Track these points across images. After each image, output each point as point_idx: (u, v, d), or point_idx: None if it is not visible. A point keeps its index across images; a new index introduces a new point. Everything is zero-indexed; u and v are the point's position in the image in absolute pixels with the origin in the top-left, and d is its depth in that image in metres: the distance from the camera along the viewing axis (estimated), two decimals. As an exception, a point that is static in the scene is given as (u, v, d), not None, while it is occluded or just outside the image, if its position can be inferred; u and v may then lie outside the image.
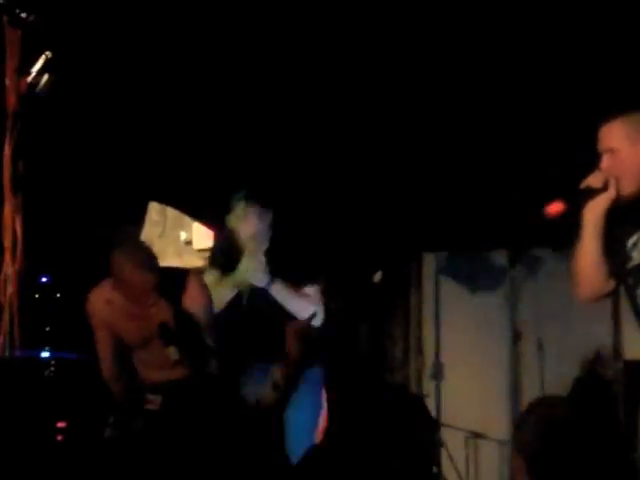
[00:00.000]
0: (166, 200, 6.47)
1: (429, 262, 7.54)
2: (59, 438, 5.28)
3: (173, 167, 6.27)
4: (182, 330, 4.64)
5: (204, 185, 6.30)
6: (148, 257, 4.70)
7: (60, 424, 5.32)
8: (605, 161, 3.44)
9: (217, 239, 5.17)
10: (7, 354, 4.63)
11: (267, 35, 4.90)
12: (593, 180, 3.47)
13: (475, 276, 7.22)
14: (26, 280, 4.69)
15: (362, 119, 5.77)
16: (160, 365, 4.76)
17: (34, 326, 5.42)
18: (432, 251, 7.58)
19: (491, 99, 5.64)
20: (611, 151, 3.42)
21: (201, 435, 4.12)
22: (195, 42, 5.14)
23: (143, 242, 5.00)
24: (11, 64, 4.55)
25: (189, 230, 6.39)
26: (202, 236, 6.39)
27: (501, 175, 6.15)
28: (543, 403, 2.99)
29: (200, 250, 6.37)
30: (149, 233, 6.51)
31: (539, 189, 3.90)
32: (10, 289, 4.46)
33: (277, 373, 4.91)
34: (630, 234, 3.44)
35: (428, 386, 7.21)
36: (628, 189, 3.41)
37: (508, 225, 6.38)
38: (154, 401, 4.83)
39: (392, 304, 7.50)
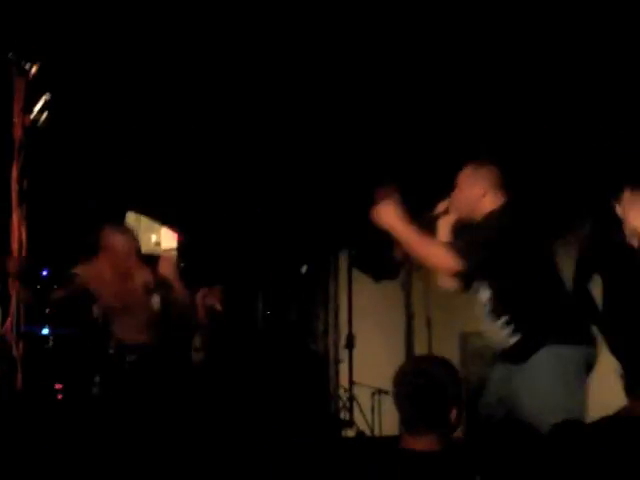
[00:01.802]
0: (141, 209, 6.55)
1: (344, 257, 7.63)
2: (59, 397, 5.47)
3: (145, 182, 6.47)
4: (159, 285, 4.76)
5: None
6: (129, 230, 4.91)
7: (58, 386, 5.47)
8: (454, 192, 3.75)
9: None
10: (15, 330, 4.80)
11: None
12: (440, 206, 3.82)
13: (378, 268, 7.18)
14: (30, 274, 4.75)
15: (281, 129, 5.78)
16: (137, 328, 4.86)
17: (36, 309, 5.43)
18: (346, 249, 7.65)
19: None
20: (458, 186, 3.73)
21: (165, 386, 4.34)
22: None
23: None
24: (18, 105, 4.62)
25: (158, 234, 6.42)
26: (168, 238, 6.49)
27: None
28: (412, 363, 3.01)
29: (166, 249, 6.43)
30: (126, 236, 6.52)
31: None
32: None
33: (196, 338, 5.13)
34: None
35: (343, 353, 7.28)
36: (460, 214, 3.74)
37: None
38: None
39: (315, 290, 7.65)
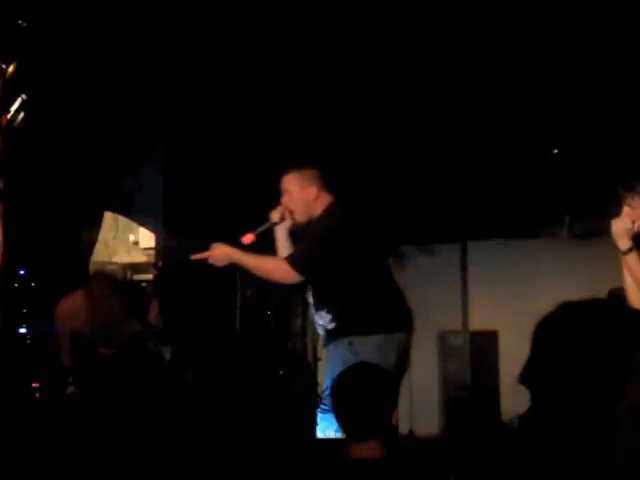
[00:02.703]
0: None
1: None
2: (36, 395, 5.40)
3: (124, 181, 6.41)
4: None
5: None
6: (115, 277, 4.76)
7: (35, 384, 5.49)
8: (284, 198, 3.80)
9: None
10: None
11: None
12: (274, 214, 3.86)
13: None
14: (7, 273, 4.79)
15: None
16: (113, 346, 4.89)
17: (14, 308, 5.41)
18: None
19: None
20: (288, 192, 3.79)
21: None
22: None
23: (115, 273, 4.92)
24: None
25: (136, 233, 6.37)
26: (146, 238, 6.43)
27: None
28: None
29: (145, 248, 6.42)
30: (105, 235, 6.41)
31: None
32: (-6, 280, 4.43)
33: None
34: None
35: (321, 352, 6.68)
36: (299, 219, 3.81)
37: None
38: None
39: (293, 289, 6.83)
